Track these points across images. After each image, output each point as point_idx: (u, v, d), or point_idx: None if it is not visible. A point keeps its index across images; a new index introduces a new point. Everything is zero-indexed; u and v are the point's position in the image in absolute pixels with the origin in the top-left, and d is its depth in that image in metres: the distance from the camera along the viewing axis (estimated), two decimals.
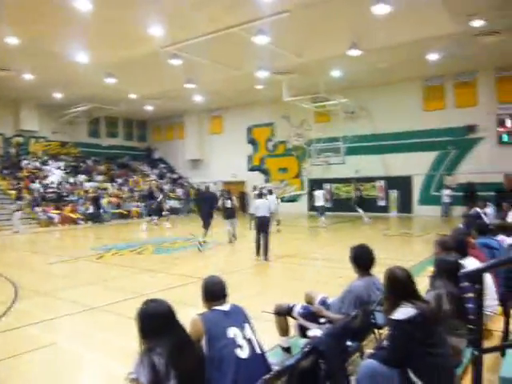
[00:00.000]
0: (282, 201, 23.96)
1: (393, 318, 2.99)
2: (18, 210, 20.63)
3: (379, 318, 4.20)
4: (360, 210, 21.22)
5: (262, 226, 11.09)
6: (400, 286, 3.10)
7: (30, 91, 23.67)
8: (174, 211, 27.16)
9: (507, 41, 16.28)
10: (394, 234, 16.79)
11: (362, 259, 4.19)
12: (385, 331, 4.28)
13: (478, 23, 14.48)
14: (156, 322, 2.51)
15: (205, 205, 14.05)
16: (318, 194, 19.95)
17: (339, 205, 25.66)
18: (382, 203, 24.59)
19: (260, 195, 12.51)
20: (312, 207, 26.26)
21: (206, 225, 13.22)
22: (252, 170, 29.82)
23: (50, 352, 5.15)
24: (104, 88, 22.16)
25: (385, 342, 3.21)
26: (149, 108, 28.96)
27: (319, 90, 21.94)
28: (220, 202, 14.48)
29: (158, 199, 21.49)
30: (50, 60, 17.94)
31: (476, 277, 2.75)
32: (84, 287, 8.60)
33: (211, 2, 12.97)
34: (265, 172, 29.31)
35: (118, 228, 21.51)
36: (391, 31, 15.17)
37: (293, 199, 26.98)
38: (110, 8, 13.17)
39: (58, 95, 24.63)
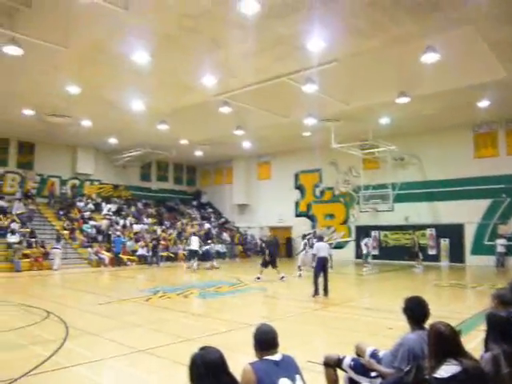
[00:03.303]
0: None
1: (436, 376, 2.87)
2: (57, 248, 21.30)
3: None
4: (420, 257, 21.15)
5: (324, 265, 12.40)
6: (444, 343, 2.99)
7: (87, 137, 24.97)
8: (220, 255, 27.31)
9: None
10: (444, 284, 16.13)
11: (416, 312, 4.04)
12: None
13: None
14: (207, 369, 2.52)
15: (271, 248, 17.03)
16: (365, 241, 22.21)
17: (387, 253, 25.07)
18: (432, 252, 23.81)
19: (320, 238, 14.18)
20: (359, 255, 25.96)
21: (273, 264, 16.54)
22: (299, 215, 29.76)
23: None
24: (156, 134, 23.09)
25: None
26: (198, 153, 29.75)
27: (367, 137, 21.98)
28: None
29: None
30: (108, 108, 18.95)
31: None
32: (131, 329, 8.69)
33: (261, 52, 13.44)
34: (311, 218, 29.15)
35: (165, 271, 21.75)
36: (440, 78, 15.18)
37: (339, 246, 26.58)
38: (166, 60, 13.91)
39: (113, 141, 25.81)
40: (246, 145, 26.88)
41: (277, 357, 2.99)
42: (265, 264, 16.59)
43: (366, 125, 21.15)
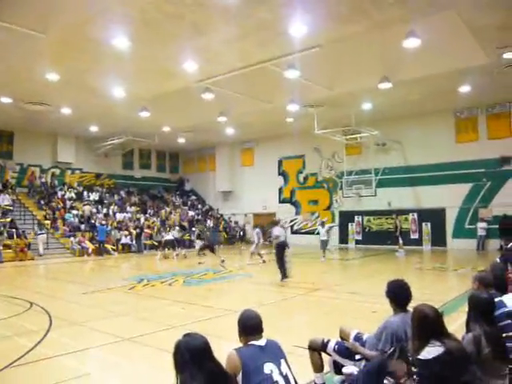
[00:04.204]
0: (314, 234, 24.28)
1: (420, 357, 2.92)
2: (41, 234, 21.56)
3: None
4: (400, 241, 20.95)
5: (283, 249, 12.53)
6: (428, 325, 3.03)
7: (67, 125, 24.57)
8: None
9: None
10: (427, 267, 16.37)
11: (398, 295, 4.08)
12: None
13: (509, 55, 14.44)
14: (192, 355, 2.51)
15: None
16: (326, 228, 20.14)
17: (370, 237, 25.35)
18: (414, 236, 24.12)
19: (276, 223, 14.40)
20: (342, 240, 26.23)
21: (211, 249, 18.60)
22: (283, 202, 29.84)
23: (84, 383, 5.18)
24: (138, 121, 22.82)
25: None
26: (181, 140, 29.54)
27: (350, 123, 22.03)
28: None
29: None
30: (88, 95, 18.64)
31: None
32: (116, 318, 8.66)
33: (243, 38, 13.33)
34: (295, 204, 29.26)
35: (150, 259, 21.66)
36: (422, 64, 15.26)
37: None
38: (146, 45, 13.71)
39: (94, 128, 25.48)
40: (229, 131, 26.75)
41: (261, 342, 3.01)
42: (202, 249, 19.16)
43: (348, 110, 21.18)
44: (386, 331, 3.93)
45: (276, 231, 13.09)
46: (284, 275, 12.45)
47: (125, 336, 7.02)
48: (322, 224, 20.49)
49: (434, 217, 23.38)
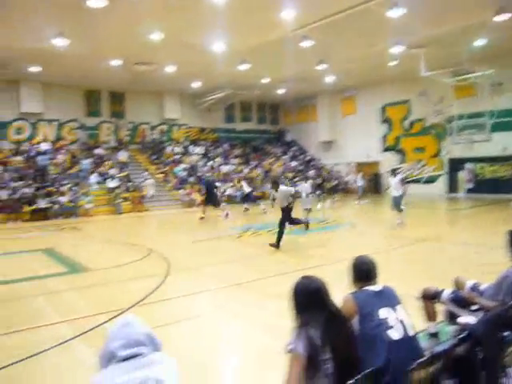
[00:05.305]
0: (419, 182, 23.29)
1: None
2: (148, 179, 24.16)
3: None
4: None
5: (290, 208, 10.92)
6: None
7: (172, 82, 25.50)
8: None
9: None
10: None
11: None
12: None
13: None
14: (311, 297, 2.60)
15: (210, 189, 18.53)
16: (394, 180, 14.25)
17: (483, 186, 23.66)
18: None
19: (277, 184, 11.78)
20: (451, 189, 24.86)
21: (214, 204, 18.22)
22: (386, 150, 28.81)
23: (198, 323, 5.61)
24: (238, 74, 23.01)
25: None
26: (281, 91, 29.39)
27: (461, 62, 20.29)
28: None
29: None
30: (190, 51, 19.07)
31: None
32: (226, 264, 9.15)
33: None
34: (400, 152, 28.10)
35: (254, 210, 22.21)
36: None
37: (431, 180, 25.58)
38: None
39: (196, 84, 26.21)
40: (329, 79, 25.99)
41: (377, 287, 3.01)
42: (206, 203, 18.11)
43: (458, 48, 19.46)
44: (506, 281, 3.73)
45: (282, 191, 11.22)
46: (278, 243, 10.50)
47: (235, 281, 7.41)
48: (393, 172, 16.71)
49: None
